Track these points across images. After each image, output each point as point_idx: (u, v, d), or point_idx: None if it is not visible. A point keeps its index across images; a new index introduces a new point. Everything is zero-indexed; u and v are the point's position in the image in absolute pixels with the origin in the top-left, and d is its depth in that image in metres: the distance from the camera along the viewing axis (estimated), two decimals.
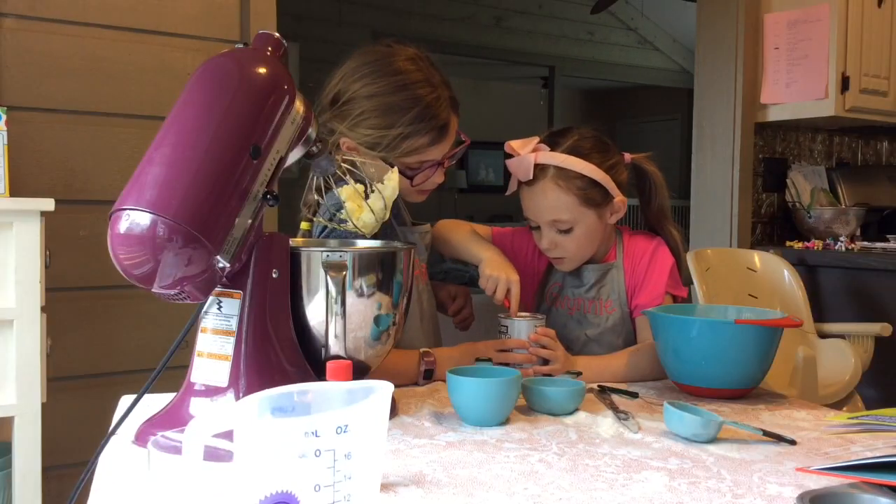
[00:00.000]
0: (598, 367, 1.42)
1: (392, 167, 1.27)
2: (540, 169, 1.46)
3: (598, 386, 1.33)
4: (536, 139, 1.51)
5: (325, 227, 1.31)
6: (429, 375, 1.35)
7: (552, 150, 1.48)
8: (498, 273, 1.43)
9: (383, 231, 1.27)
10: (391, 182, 1.23)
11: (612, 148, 1.53)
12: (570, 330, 1.56)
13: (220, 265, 0.93)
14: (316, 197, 1.31)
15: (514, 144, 1.50)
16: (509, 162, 1.50)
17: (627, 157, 1.56)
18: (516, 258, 1.56)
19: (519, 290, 1.42)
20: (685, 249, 1.64)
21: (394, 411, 1.16)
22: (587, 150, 1.48)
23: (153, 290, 0.92)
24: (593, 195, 1.47)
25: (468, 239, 1.56)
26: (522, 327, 1.39)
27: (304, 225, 1.33)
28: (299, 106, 1.03)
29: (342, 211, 1.22)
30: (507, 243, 1.62)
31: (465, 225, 1.62)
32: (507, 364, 1.34)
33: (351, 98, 1.39)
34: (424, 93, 1.38)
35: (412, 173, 1.41)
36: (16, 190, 1.77)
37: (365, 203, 1.20)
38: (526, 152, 1.48)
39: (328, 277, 1.03)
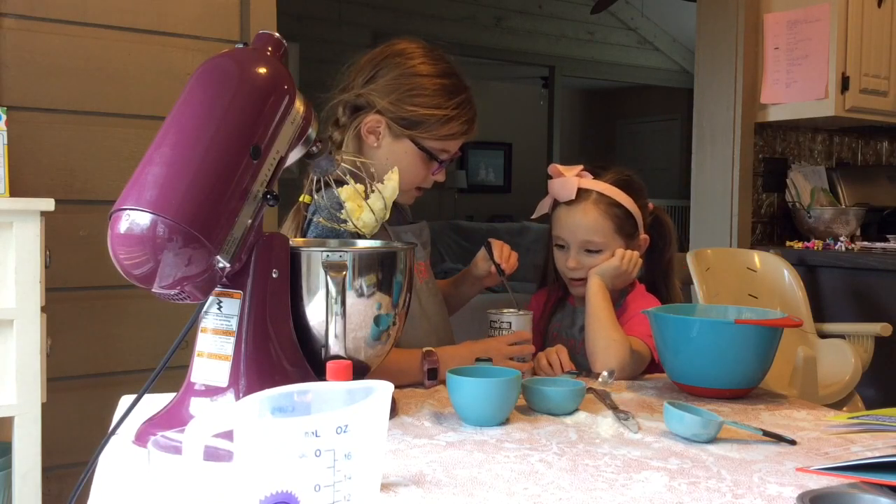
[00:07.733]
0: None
1: (392, 168, 1.27)
2: (583, 192, 1.57)
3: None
4: (580, 167, 1.61)
5: (324, 226, 1.31)
6: (433, 375, 1.34)
7: (594, 178, 1.59)
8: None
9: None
10: (391, 182, 1.23)
11: (644, 191, 1.65)
12: None
13: (220, 265, 0.93)
14: (315, 196, 1.31)
15: (559, 168, 1.61)
16: (552, 182, 1.61)
17: (650, 205, 1.67)
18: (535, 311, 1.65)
19: None
20: (682, 289, 1.75)
21: (394, 411, 1.16)
22: (625, 185, 1.60)
23: (153, 290, 0.92)
24: (626, 226, 1.59)
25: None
26: (522, 321, 1.45)
27: (305, 198, 1.34)
28: (299, 106, 1.03)
29: (342, 211, 1.22)
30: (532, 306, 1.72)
31: None
32: (513, 358, 1.39)
33: (404, 73, 1.42)
34: (467, 84, 1.47)
35: (437, 157, 1.43)
36: (16, 190, 1.77)
37: (365, 203, 1.20)
38: (571, 175, 1.58)
39: (328, 277, 1.03)
